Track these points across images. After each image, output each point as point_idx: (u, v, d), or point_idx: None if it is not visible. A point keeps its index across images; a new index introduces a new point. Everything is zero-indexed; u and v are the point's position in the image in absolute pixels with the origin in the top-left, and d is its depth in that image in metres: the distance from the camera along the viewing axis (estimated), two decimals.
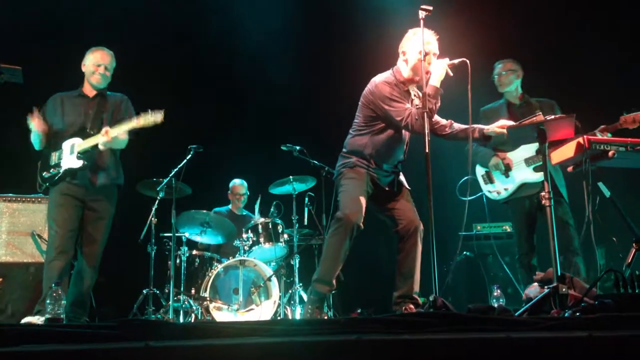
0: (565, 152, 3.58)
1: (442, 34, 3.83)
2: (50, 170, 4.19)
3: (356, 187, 3.82)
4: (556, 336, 1.99)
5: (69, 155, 4.16)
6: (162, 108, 4.05)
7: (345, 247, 3.69)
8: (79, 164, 4.14)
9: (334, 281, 3.74)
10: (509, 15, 6.22)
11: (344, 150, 4.03)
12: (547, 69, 6.03)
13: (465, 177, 4.49)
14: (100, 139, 4.09)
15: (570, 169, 3.66)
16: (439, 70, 3.64)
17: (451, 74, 3.66)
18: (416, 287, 3.77)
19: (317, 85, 6.76)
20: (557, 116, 3.57)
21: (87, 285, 4.17)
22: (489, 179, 4.74)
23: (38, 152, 4.29)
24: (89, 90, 4.36)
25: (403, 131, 3.90)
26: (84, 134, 4.19)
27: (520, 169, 4.57)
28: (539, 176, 4.39)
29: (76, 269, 4.22)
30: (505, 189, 4.64)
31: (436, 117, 3.90)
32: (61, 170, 4.15)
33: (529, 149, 4.44)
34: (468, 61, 3.56)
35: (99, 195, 4.24)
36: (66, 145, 4.20)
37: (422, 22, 3.57)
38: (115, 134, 4.09)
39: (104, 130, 4.09)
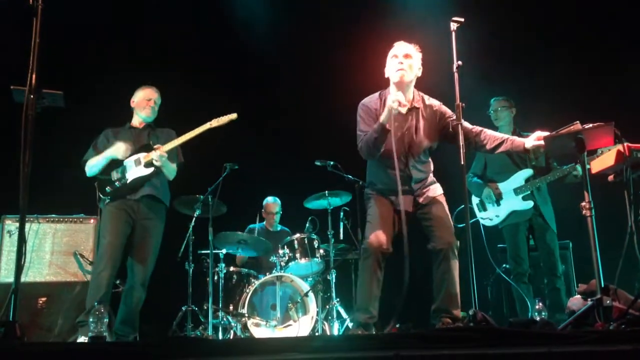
0: (605, 161, 3.51)
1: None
2: (115, 184, 4.35)
3: (375, 212, 3.82)
4: (600, 350, 1.94)
5: (135, 168, 4.37)
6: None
7: (374, 275, 3.70)
8: (148, 171, 4.36)
9: (372, 310, 3.68)
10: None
11: None
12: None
13: (462, 206, 4.78)
14: (153, 155, 4.32)
15: (610, 177, 3.58)
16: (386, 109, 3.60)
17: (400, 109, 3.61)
18: (453, 302, 3.66)
19: (350, 98, 6.77)
20: (595, 124, 3.48)
21: (136, 303, 4.27)
22: (482, 207, 5.11)
23: (88, 177, 4.45)
24: (137, 123, 4.61)
25: (388, 153, 3.72)
26: (148, 149, 4.41)
27: (510, 198, 4.94)
28: (526, 204, 4.85)
29: (127, 287, 4.33)
30: (497, 216, 5.02)
31: (469, 127, 3.79)
32: (128, 181, 4.34)
33: (518, 179, 4.90)
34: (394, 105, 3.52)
35: (151, 213, 4.38)
36: (129, 161, 4.39)
37: (453, 34, 3.55)
38: (169, 148, 4.35)
39: (155, 146, 4.38)
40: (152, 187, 4.40)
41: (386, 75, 3.84)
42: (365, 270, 3.73)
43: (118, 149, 4.37)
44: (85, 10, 5.91)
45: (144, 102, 4.56)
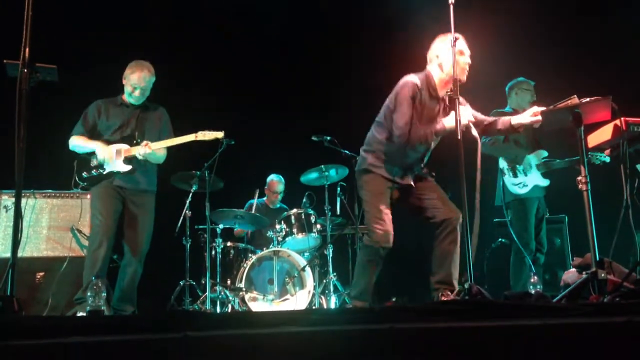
0: (602, 135, 3.51)
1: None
2: (92, 172, 4.32)
3: (378, 200, 3.79)
4: (594, 322, 1.95)
5: (115, 160, 4.31)
6: (221, 128, 4.49)
7: (377, 270, 3.80)
8: (126, 168, 4.32)
9: (369, 297, 3.82)
10: None
11: (363, 147, 3.99)
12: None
13: (501, 183, 4.99)
14: (140, 150, 4.28)
15: (607, 152, 3.59)
16: (451, 122, 3.55)
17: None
18: (455, 274, 3.72)
19: (347, 74, 6.74)
20: (593, 98, 3.47)
21: (133, 279, 4.31)
22: (512, 172, 5.01)
23: (70, 152, 4.43)
24: (128, 101, 4.48)
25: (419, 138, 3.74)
26: (131, 142, 4.36)
27: (534, 171, 4.95)
28: (546, 181, 4.96)
29: (124, 263, 4.36)
30: (525, 185, 4.97)
31: (479, 117, 3.84)
32: (104, 172, 4.31)
33: (538, 157, 4.98)
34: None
35: (139, 195, 4.40)
36: (111, 149, 4.33)
37: (451, 6, 3.50)
38: (155, 148, 4.31)
39: (144, 142, 4.30)
40: (136, 180, 4.37)
41: (445, 66, 3.72)
42: (369, 267, 3.80)
43: (104, 153, 4.28)
44: None
45: (130, 89, 4.40)
